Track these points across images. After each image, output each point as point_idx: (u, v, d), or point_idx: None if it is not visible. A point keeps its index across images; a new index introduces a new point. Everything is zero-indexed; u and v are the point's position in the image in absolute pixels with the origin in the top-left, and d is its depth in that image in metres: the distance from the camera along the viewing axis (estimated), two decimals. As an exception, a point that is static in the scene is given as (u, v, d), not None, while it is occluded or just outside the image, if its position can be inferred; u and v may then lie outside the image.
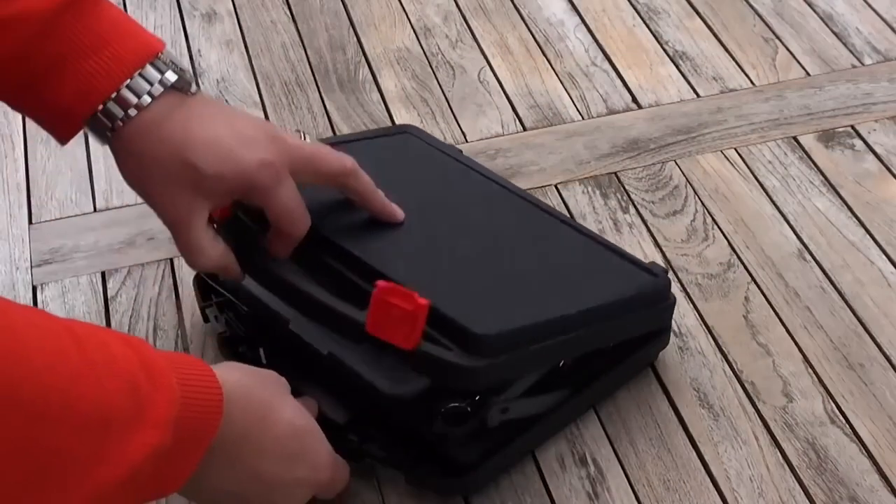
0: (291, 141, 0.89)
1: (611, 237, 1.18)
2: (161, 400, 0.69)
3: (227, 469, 0.79)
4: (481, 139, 1.31)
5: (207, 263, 0.89)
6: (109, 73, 0.84)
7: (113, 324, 1.11)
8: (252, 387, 0.81)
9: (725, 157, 1.27)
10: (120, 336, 0.72)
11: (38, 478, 0.64)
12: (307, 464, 0.85)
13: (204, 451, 0.74)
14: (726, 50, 1.41)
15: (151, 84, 0.85)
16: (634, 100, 1.36)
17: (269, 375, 0.85)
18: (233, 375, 0.78)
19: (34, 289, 1.15)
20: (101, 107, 0.85)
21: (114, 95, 0.84)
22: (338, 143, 1.04)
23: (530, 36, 1.46)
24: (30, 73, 0.84)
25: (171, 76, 0.86)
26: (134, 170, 0.88)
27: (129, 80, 0.84)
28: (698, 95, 1.36)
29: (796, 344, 1.09)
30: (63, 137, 0.89)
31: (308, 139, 0.97)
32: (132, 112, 0.85)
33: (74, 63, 0.84)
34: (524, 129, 1.33)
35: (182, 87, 0.87)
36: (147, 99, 0.85)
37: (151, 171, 0.86)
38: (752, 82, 1.38)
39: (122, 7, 1.49)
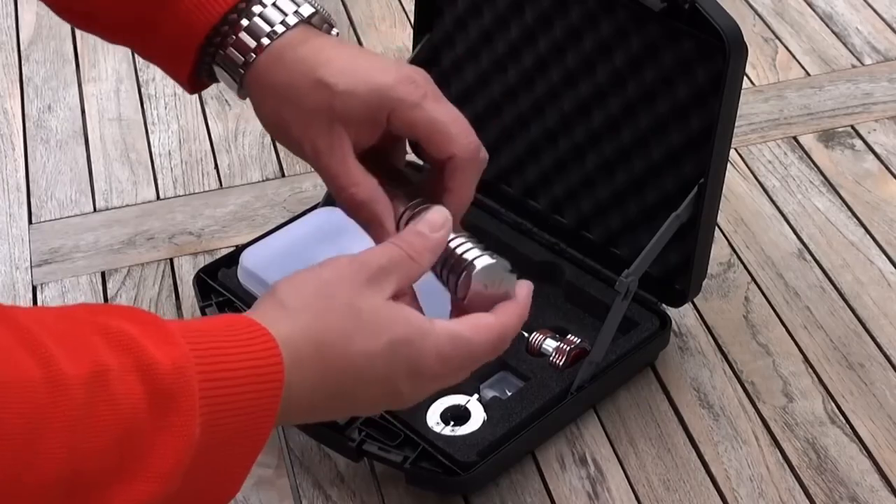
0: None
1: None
2: (166, 445, 0.60)
3: (321, 410, 0.71)
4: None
5: (358, 194, 0.78)
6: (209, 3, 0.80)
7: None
8: (325, 331, 0.69)
9: (725, 156, 1.27)
10: (128, 349, 0.61)
11: None
12: (452, 375, 0.74)
13: (264, 440, 0.66)
14: (726, 50, 1.41)
15: (285, 14, 0.81)
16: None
17: (344, 278, 0.71)
18: (299, 322, 0.68)
19: (34, 289, 1.15)
20: (215, 33, 0.80)
21: (246, 24, 0.80)
22: None
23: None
24: (144, 7, 0.81)
25: (307, 9, 0.81)
26: (270, 104, 0.81)
27: (262, 9, 0.80)
28: (698, 95, 1.36)
29: (796, 344, 1.09)
30: (184, 80, 0.83)
31: None
32: (265, 41, 0.80)
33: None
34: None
35: (319, 25, 0.82)
36: (280, 28, 0.80)
37: (286, 98, 0.80)
38: (752, 82, 1.38)
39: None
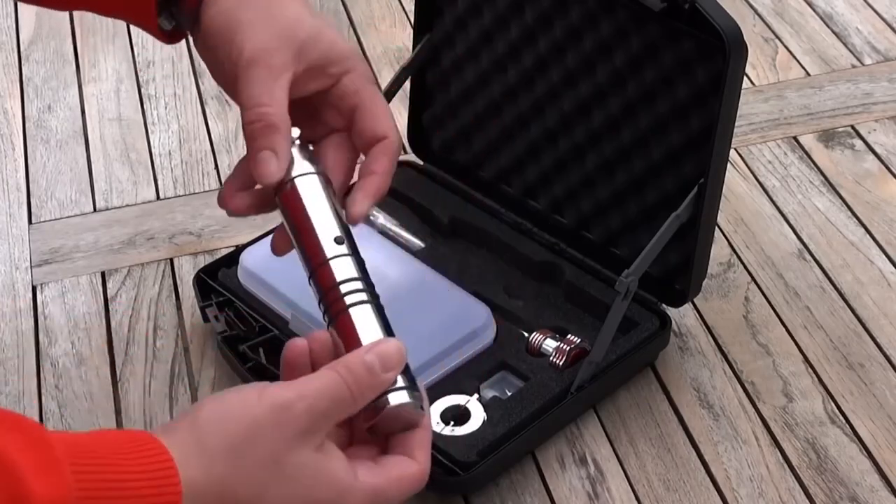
0: None
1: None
2: None
3: None
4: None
5: (271, 115, 0.74)
6: None
7: (113, 324, 1.11)
8: (238, 485, 0.64)
9: (725, 156, 1.27)
10: (2, 476, 0.56)
11: None
12: None
13: None
14: (726, 50, 1.41)
15: None
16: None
17: (268, 426, 0.65)
18: (212, 469, 0.63)
19: (34, 289, 1.15)
20: None
21: None
22: None
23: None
24: None
25: None
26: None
27: None
28: (698, 95, 1.36)
29: (796, 344, 1.09)
30: (150, 12, 0.79)
31: None
32: None
33: None
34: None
35: None
36: None
37: (260, 3, 0.77)
38: (752, 82, 1.38)
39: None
